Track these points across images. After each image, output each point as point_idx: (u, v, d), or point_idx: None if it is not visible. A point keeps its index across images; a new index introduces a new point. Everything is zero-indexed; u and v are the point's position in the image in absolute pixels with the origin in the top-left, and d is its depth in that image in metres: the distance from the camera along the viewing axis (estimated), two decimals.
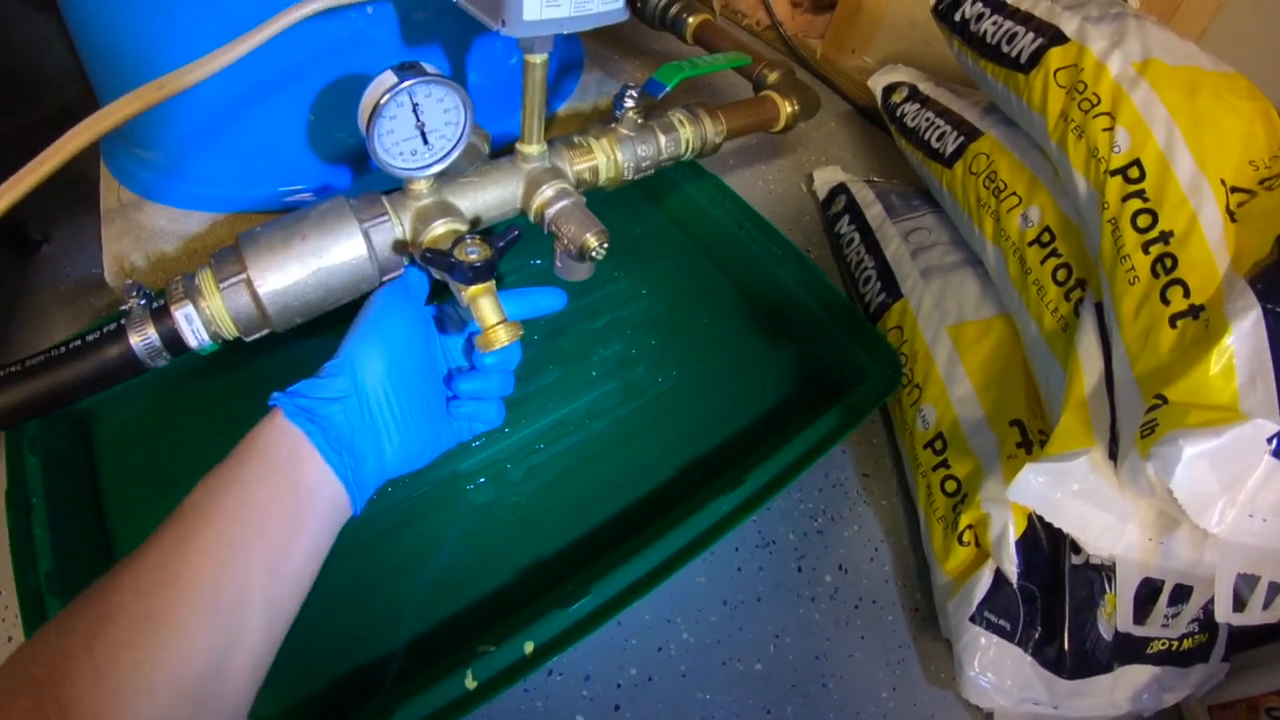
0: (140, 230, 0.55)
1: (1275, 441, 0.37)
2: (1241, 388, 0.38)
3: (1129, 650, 0.47)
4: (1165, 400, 0.39)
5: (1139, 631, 0.46)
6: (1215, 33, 0.71)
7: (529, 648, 0.40)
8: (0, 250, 0.66)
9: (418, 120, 0.39)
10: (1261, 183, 0.46)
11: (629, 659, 0.48)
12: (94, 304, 0.63)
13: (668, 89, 0.54)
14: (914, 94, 0.72)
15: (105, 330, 0.43)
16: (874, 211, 0.69)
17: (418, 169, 0.41)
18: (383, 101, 0.38)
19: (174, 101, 0.42)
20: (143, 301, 0.44)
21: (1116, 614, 0.46)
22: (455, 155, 0.41)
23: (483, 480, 0.52)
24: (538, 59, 0.41)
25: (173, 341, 0.43)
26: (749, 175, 0.82)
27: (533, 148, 0.45)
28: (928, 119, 0.68)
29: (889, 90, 0.75)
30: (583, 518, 0.50)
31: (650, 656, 0.48)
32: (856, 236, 0.69)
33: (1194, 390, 0.39)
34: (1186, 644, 0.48)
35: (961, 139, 0.63)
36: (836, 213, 0.73)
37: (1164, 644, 0.48)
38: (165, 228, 0.55)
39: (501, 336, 0.38)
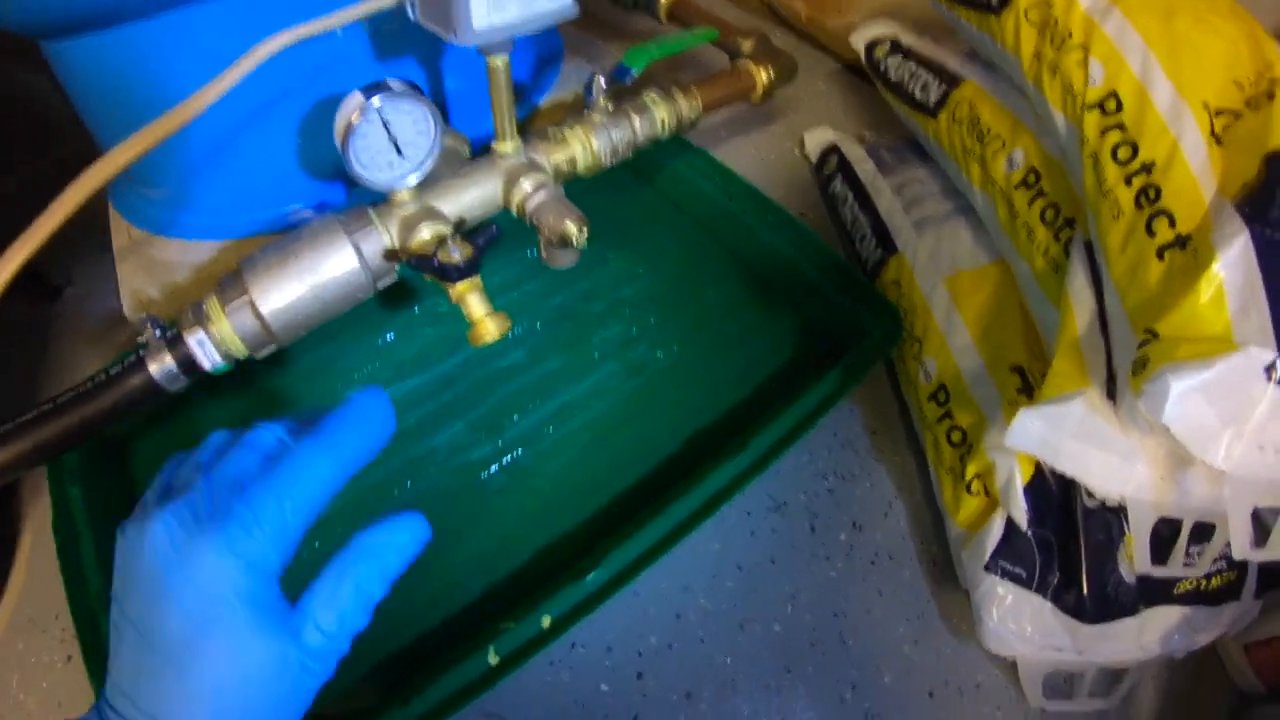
0: (153, 264, 0.58)
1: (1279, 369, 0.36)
2: (1234, 316, 0.37)
3: (1154, 592, 0.47)
4: (1156, 335, 0.39)
5: (1159, 572, 0.45)
6: None
7: (546, 621, 0.42)
8: (24, 298, 0.70)
9: (389, 135, 0.41)
10: (1247, 103, 0.45)
11: (649, 628, 0.50)
12: (117, 339, 0.66)
13: (634, 73, 0.54)
14: (895, 47, 0.70)
15: (126, 363, 0.47)
16: (865, 168, 0.69)
17: (395, 180, 0.42)
18: (354, 121, 0.40)
19: (171, 138, 0.44)
20: (158, 332, 0.46)
21: (1135, 556, 0.45)
22: (430, 163, 0.43)
23: (495, 468, 0.53)
24: (499, 61, 0.42)
25: (188, 366, 0.45)
26: (740, 144, 0.82)
27: (507, 145, 0.46)
28: (910, 70, 0.67)
29: (871, 46, 0.74)
30: (595, 495, 0.52)
31: (669, 624, 0.50)
32: (850, 195, 0.69)
33: (1184, 322, 0.38)
34: (1215, 583, 0.48)
35: (944, 88, 0.62)
36: (829, 174, 0.73)
37: (1191, 584, 0.47)
38: (176, 259, 0.57)
39: (490, 329, 0.40)
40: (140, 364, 0.46)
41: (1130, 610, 0.47)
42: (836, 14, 0.87)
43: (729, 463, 0.47)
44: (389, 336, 0.59)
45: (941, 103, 0.62)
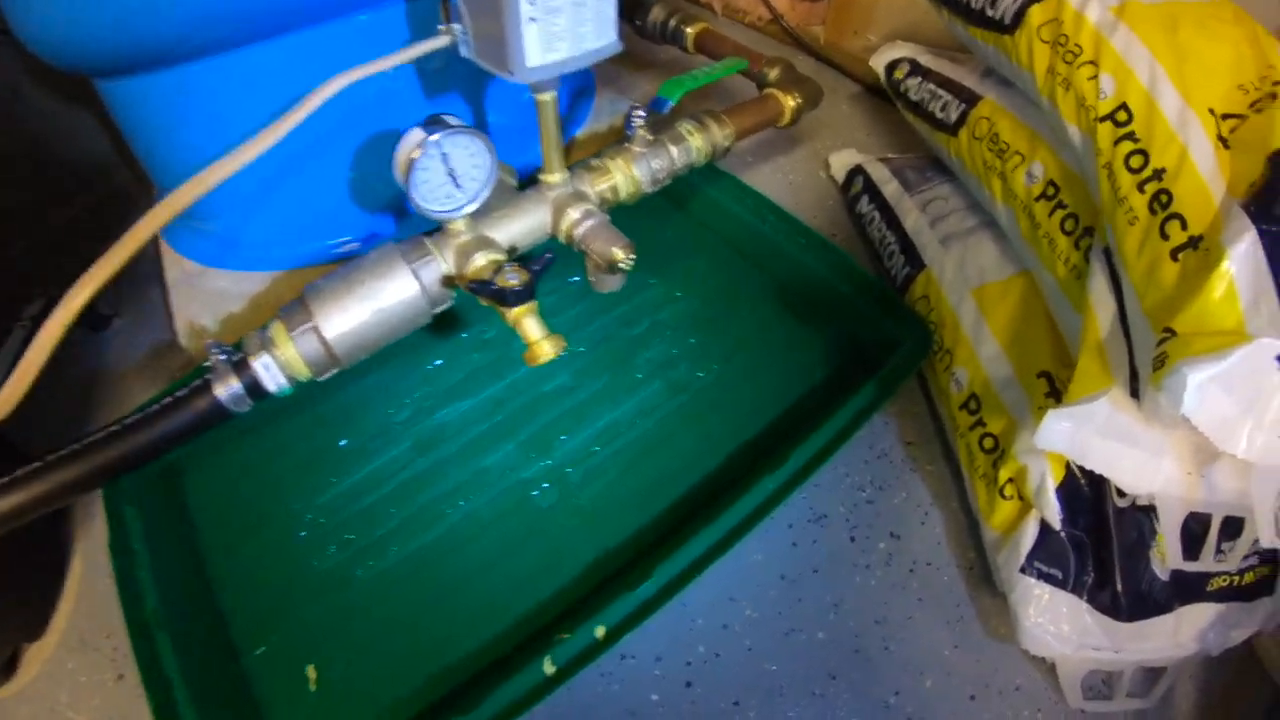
0: (207, 295, 0.64)
1: None
2: (1245, 310, 0.41)
3: (1188, 589, 0.50)
4: (1173, 332, 0.43)
5: (1191, 568, 0.49)
6: None
7: (600, 631, 0.47)
8: (75, 326, 0.77)
9: (448, 168, 0.47)
10: (1251, 105, 0.49)
11: (696, 638, 0.54)
12: (168, 366, 0.72)
13: (671, 104, 0.61)
14: (915, 68, 0.77)
15: (193, 386, 0.52)
16: (890, 188, 0.75)
17: (453, 210, 0.49)
18: (415, 156, 0.46)
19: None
20: (223, 356, 0.52)
21: (1166, 552, 0.49)
22: (485, 194, 0.49)
23: (546, 485, 0.59)
24: (547, 96, 0.49)
25: (254, 388, 0.51)
26: (768, 169, 0.89)
27: (555, 176, 0.53)
28: (929, 90, 0.73)
29: (890, 68, 0.81)
30: (642, 510, 0.57)
31: (716, 634, 0.54)
32: (877, 214, 0.75)
33: (1199, 318, 0.42)
34: (1248, 578, 0.51)
35: (963, 106, 0.68)
36: (855, 194, 0.79)
37: (1225, 580, 0.51)
38: (230, 290, 0.64)
39: (547, 349, 0.45)
40: (206, 387, 0.52)
41: (1165, 608, 0.50)
42: (854, 36, 0.94)
43: (770, 475, 0.53)
44: (438, 362, 0.65)
45: (961, 121, 0.68)
